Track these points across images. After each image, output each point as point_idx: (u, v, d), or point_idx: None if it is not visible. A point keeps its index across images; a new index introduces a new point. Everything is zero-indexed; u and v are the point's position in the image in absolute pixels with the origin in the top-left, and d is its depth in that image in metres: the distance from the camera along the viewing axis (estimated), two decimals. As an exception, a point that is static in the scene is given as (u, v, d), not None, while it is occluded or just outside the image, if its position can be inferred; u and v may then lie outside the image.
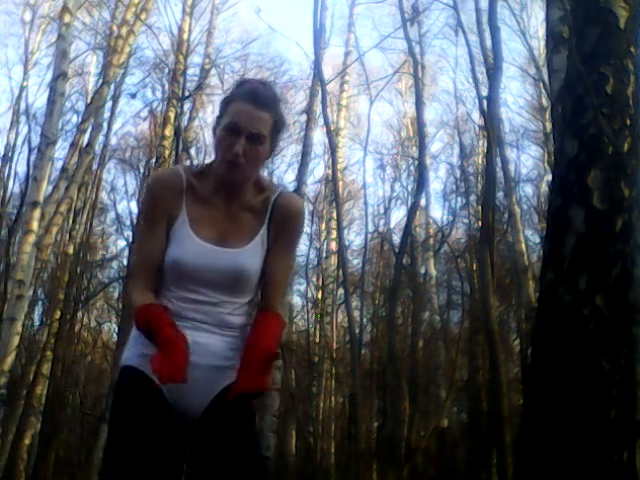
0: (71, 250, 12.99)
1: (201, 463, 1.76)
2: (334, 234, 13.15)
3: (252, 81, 1.94)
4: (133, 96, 12.77)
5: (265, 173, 10.64)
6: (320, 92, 8.80)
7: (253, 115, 1.82)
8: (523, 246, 11.10)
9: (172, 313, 1.82)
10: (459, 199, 14.49)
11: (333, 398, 14.78)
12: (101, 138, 12.22)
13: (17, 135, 13.64)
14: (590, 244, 2.96)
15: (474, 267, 12.33)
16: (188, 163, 11.27)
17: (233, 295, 1.86)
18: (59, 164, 10.71)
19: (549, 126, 11.05)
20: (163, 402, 1.75)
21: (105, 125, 12.39)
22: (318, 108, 10.51)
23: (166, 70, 11.93)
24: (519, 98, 15.74)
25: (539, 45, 12.94)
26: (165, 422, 1.74)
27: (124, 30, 10.84)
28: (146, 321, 1.78)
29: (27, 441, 9.86)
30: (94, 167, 13.05)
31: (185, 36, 11.88)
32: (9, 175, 13.70)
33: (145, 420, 1.73)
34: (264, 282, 1.91)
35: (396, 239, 13.66)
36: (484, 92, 7.71)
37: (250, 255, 1.87)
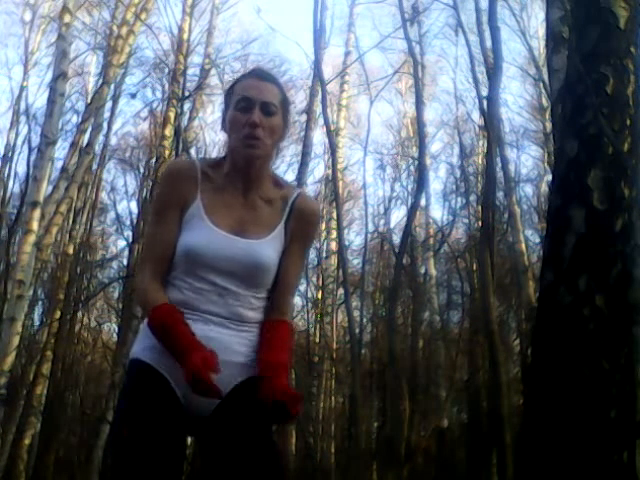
0: (71, 250, 12.98)
1: (216, 459, 1.73)
2: (334, 234, 13.16)
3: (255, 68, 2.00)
4: (133, 96, 12.77)
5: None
6: (320, 92, 8.80)
7: (261, 87, 1.83)
8: (523, 246, 11.10)
9: (182, 305, 1.77)
10: (459, 199, 14.50)
11: (333, 398, 14.76)
12: (101, 138, 12.24)
13: (17, 135, 13.63)
14: (590, 244, 2.96)
15: (474, 267, 12.33)
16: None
17: (249, 288, 1.81)
18: (59, 164, 10.72)
19: (549, 126, 11.05)
20: (171, 396, 1.72)
21: (105, 125, 12.40)
22: (318, 108, 10.51)
23: (166, 70, 11.92)
24: (519, 98, 15.75)
25: (539, 45, 12.94)
26: (171, 416, 1.71)
27: (124, 30, 10.84)
28: (164, 328, 1.73)
29: (27, 441, 9.86)
30: (94, 167, 13.05)
31: (185, 36, 11.87)
32: (9, 175, 13.70)
33: (151, 414, 1.70)
34: (276, 284, 1.87)
35: (396, 239, 13.67)
36: (484, 92, 7.72)
37: (269, 247, 1.83)
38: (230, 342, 1.77)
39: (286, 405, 1.66)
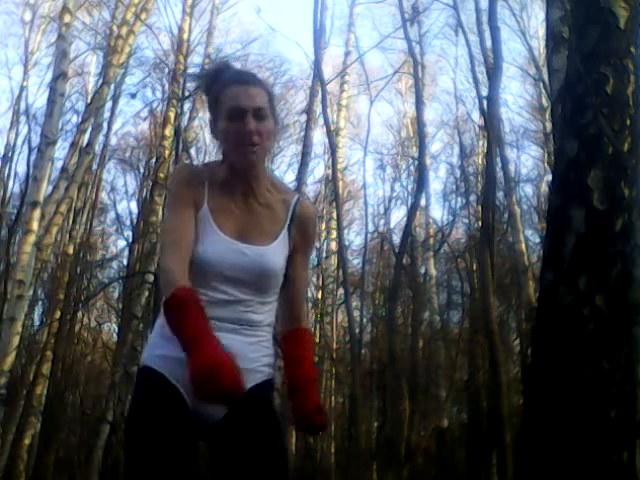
0: (71, 250, 12.99)
1: (226, 466, 1.73)
2: (334, 234, 13.15)
3: (228, 68, 1.90)
4: (133, 96, 12.77)
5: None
6: (320, 92, 8.80)
7: (249, 92, 1.78)
8: (523, 246, 11.10)
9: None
10: (459, 199, 14.51)
11: (333, 398, 14.78)
12: (101, 138, 12.24)
13: (17, 135, 13.65)
14: (590, 244, 2.96)
15: (474, 267, 12.33)
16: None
17: (257, 294, 1.80)
18: (59, 164, 10.74)
19: (549, 126, 11.05)
20: (181, 404, 1.72)
21: (105, 125, 12.41)
22: (318, 108, 10.50)
23: (166, 70, 11.93)
24: (519, 98, 15.77)
25: (539, 45, 12.95)
26: (182, 424, 1.71)
27: (124, 30, 10.85)
28: (181, 308, 1.62)
29: (27, 441, 9.86)
30: (94, 167, 13.05)
31: (185, 36, 11.87)
32: (9, 175, 13.73)
33: (161, 422, 1.70)
34: (287, 292, 1.89)
35: (396, 239, 13.67)
36: (484, 92, 7.72)
37: (275, 254, 1.82)
38: (241, 349, 1.74)
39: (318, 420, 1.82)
